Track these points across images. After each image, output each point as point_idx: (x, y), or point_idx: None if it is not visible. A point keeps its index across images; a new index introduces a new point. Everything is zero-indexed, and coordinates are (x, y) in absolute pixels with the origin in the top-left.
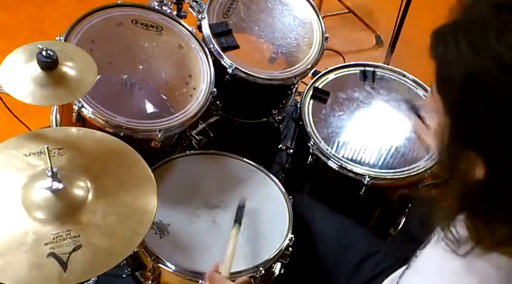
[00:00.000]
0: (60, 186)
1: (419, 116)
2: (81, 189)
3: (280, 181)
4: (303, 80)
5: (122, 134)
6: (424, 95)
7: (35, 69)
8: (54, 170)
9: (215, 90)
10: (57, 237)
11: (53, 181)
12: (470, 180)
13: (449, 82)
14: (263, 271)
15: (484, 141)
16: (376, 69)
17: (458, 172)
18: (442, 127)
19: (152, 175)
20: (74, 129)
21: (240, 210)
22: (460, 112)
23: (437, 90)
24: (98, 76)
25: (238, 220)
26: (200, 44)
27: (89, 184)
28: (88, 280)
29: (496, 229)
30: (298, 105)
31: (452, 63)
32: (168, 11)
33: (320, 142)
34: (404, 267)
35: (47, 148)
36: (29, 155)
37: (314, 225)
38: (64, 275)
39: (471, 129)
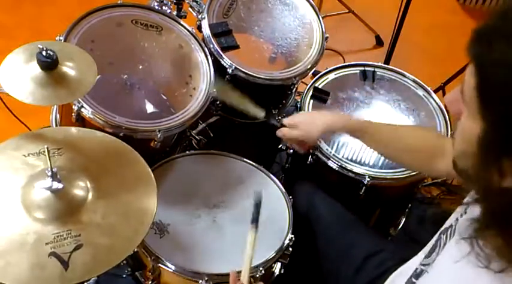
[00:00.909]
0: (60, 185)
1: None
2: (80, 188)
3: (280, 181)
4: (303, 80)
5: (121, 134)
6: (424, 95)
7: (35, 69)
8: (54, 170)
9: (215, 90)
10: (57, 237)
11: (52, 181)
12: (504, 192)
13: (494, 86)
14: (263, 271)
15: None
16: (376, 69)
17: (492, 184)
18: (473, 133)
19: (152, 173)
20: (72, 129)
21: (257, 208)
22: (505, 121)
23: (478, 95)
24: (98, 77)
25: (254, 220)
26: (200, 44)
27: (89, 184)
28: (88, 280)
29: None
30: (298, 105)
31: (499, 66)
32: (168, 11)
33: (320, 142)
34: (405, 266)
35: (47, 148)
36: (28, 155)
37: (318, 219)
38: (65, 275)
39: None
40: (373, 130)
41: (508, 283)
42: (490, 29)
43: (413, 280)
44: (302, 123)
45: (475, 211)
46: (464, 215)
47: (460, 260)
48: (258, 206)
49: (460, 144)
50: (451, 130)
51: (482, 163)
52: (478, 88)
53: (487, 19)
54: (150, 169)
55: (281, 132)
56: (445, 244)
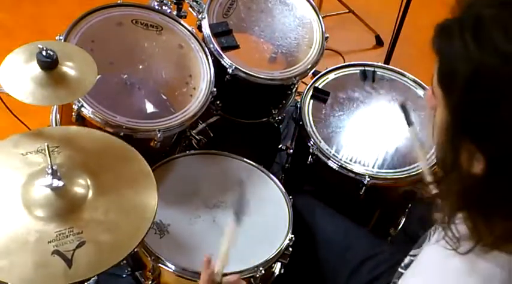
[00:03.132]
0: (61, 183)
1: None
2: (81, 186)
3: (280, 181)
4: (303, 80)
5: (121, 134)
6: (424, 95)
7: (35, 69)
8: (54, 168)
9: (215, 90)
10: (60, 235)
11: (53, 179)
12: (469, 175)
13: (453, 77)
14: (263, 271)
15: (487, 135)
16: (376, 69)
17: (457, 167)
18: (441, 121)
19: (150, 169)
20: (70, 128)
21: (240, 201)
22: (463, 106)
23: (439, 84)
24: (98, 76)
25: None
26: (200, 44)
27: (89, 182)
28: (88, 280)
29: (496, 225)
30: (298, 105)
31: (457, 58)
32: (168, 11)
33: (320, 142)
34: (399, 268)
35: (47, 145)
36: (26, 154)
37: (315, 225)
38: (69, 272)
39: (473, 123)
40: None
41: (481, 266)
42: (451, 23)
43: (402, 270)
44: None
45: None
46: None
47: (434, 244)
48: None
49: (436, 136)
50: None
51: (448, 148)
52: (440, 78)
53: (450, 13)
54: (148, 165)
55: None
56: (432, 235)
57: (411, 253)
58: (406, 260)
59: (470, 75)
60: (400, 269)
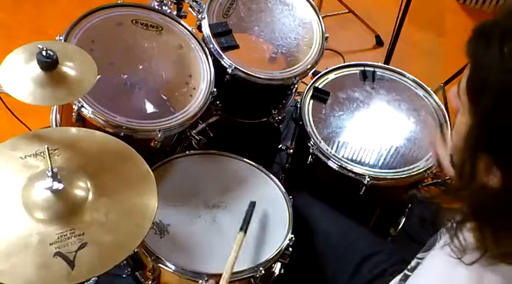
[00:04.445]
0: (61, 186)
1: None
2: (81, 188)
3: (280, 181)
4: (303, 80)
5: (122, 134)
6: (424, 95)
7: (35, 69)
8: (54, 170)
9: (215, 90)
10: (61, 236)
11: (53, 181)
12: (484, 186)
13: (483, 85)
14: (263, 271)
15: (508, 151)
16: (376, 69)
17: (471, 177)
18: (462, 127)
19: (149, 168)
20: (69, 129)
21: (248, 215)
22: (488, 116)
23: (467, 90)
24: (98, 77)
25: (244, 227)
26: (200, 44)
27: (89, 184)
28: (88, 280)
29: (504, 238)
30: (298, 105)
31: (491, 68)
32: (168, 11)
33: (320, 142)
34: (406, 270)
35: (47, 148)
36: (25, 157)
37: (315, 225)
38: (72, 273)
39: (496, 135)
40: None
41: (488, 278)
42: (490, 27)
43: (409, 273)
44: None
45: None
46: None
47: (440, 249)
48: (249, 214)
49: (454, 138)
50: (451, 130)
51: (464, 157)
52: (470, 85)
53: (490, 17)
54: (147, 165)
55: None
56: (440, 240)
57: (418, 256)
58: (413, 263)
59: (501, 85)
60: (406, 272)
